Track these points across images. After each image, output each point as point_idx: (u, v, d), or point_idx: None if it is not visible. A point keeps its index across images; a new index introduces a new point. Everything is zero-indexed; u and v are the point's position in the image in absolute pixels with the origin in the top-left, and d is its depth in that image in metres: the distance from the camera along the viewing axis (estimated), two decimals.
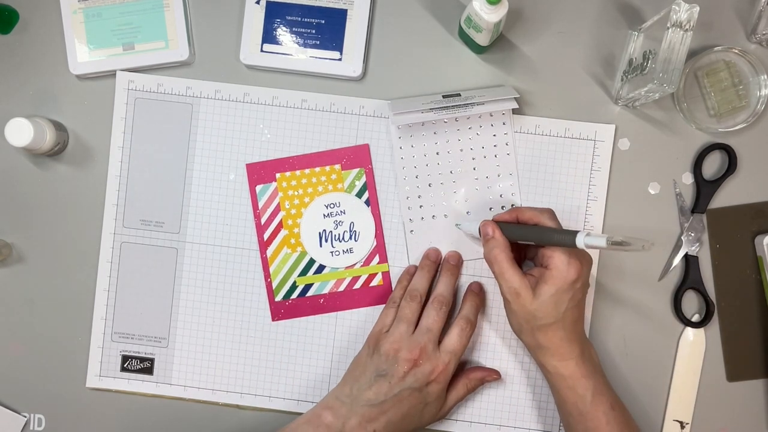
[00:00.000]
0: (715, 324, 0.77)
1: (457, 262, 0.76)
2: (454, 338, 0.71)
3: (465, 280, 0.77)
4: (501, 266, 0.68)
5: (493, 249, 0.69)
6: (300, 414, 0.75)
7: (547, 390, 0.77)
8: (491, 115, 0.76)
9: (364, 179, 0.77)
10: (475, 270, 0.77)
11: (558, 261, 0.67)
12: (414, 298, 0.73)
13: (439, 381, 0.70)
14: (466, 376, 0.74)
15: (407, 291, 0.74)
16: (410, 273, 0.76)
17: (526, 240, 0.70)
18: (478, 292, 0.76)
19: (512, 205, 0.77)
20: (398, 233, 0.77)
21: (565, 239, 0.65)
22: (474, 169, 0.77)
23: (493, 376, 0.76)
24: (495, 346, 0.77)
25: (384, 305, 0.76)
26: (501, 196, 0.77)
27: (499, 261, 0.69)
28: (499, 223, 0.71)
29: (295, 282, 0.77)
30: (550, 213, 0.70)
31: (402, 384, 0.69)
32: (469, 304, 0.74)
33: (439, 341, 0.71)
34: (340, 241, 0.77)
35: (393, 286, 0.77)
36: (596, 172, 0.77)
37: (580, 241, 0.64)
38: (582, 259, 0.68)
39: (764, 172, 0.77)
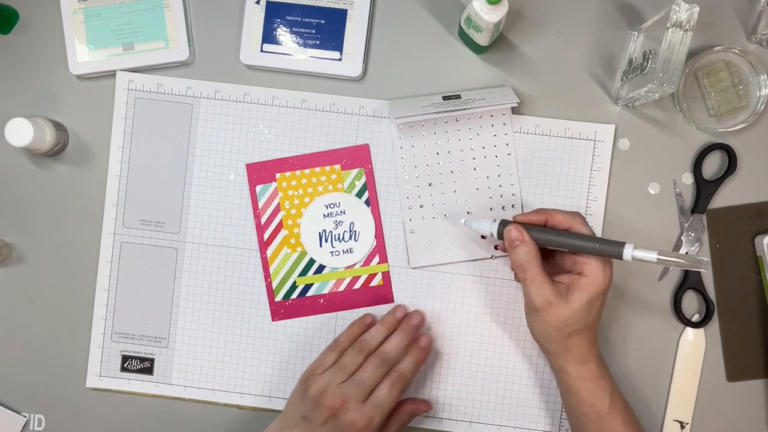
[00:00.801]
0: (715, 324, 0.77)
1: (419, 323, 0.75)
2: (383, 391, 0.68)
3: (464, 280, 0.77)
4: (533, 273, 0.66)
5: (525, 255, 0.66)
6: None
7: (546, 390, 0.77)
8: (491, 115, 0.76)
9: (364, 179, 0.77)
10: (475, 270, 0.77)
11: (595, 268, 0.66)
12: (362, 351, 0.70)
13: None
14: (396, 412, 0.72)
15: (360, 340, 0.71)
16: (364, 322, 0.74)
17: (560, 247, 0.67)
18: (425, 346, 0.73)
19: (512, 206, 0.76)
20: (398, 233, 0.77)
21: (611, 250, 0.64)
22: (474, 169, 0.77)
23: (422, 408, 0.74)
24: (496, 345, 0.77)
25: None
26: (501, 196, 0.77)
27: (532, 268, 0.66)
28: (526, 226, 0.68)
29: (295, 282, 0.77)
30: (581, 218, 0.68)
31: (322, 430, 0.67)
32: (409, 359, 0.71)
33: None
34: (340, 241, 0.77)
35: (393, 286, 0.77)
36: (596, 172, 0.77)
37: (628, 255, 0.63)
38: (611, 264, 0.67)
39: (764, 172, 0.77)
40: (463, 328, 0.77)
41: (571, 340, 0.67)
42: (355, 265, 0.77)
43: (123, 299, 0.78)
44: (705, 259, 0.59)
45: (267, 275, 0.78)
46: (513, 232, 0.67)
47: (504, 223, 0.69)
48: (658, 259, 0.61)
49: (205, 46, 0.78)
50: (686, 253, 0.76)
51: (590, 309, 0.66)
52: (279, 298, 0.78)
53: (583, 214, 0.77)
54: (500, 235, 0.69)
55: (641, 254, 0.62)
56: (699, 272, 0.76)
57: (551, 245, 0.67)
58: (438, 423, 0.77)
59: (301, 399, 0.69)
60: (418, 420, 0.77)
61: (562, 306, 0.66)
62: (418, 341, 0.73)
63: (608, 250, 0.64)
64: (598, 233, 0.76)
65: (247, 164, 0.77)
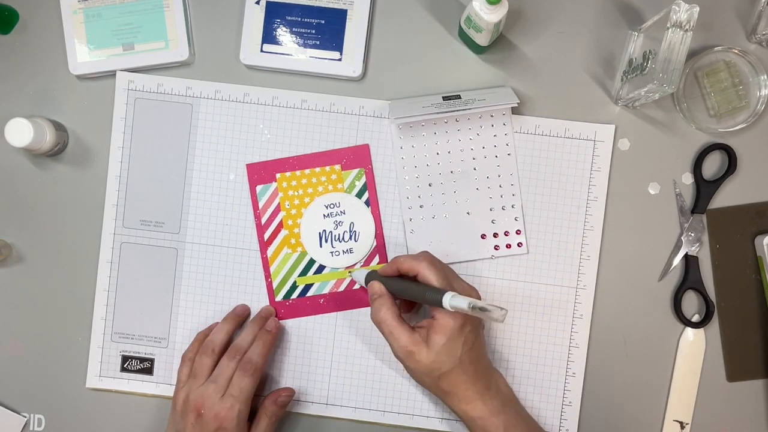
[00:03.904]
0: (715, 324, 0.77)
1: (267, 314, 0.76)
2: (236, 380, 0.71)
3: (464, 280, 0.77)
4: (389, 326, 0.68)
5: (379, 310, 0.69)
6: (300, 414, 0.76)
7: (546, 390, 0.77)
8: (491, 116, 0.76)
9: (364, 179, 0.77)
10: (475, 270, 0.77)
11: (443, 311, 0.66)
12: (205, 352, 0.73)
13: (225, 428, 0.69)
14: (262, 405, 0.74)
15: (203, 344, 0.74)
16: (209, 329, 0.76)
17: (406, 296, 0.70)
18: (270, 329, 0.75)
19: (512, 206, 0.77)
20: (398, 233, 0.77)
21: (435, 298, 0.65)
22: (474, 169, 0.77)
23: (283, 393, 0.75)
24: (495, 346, 0.77)
25: None
26: (501, 196, 0.77)
27: (386, 321, 0.68)
28: (384, 279, 0.70)
29: (295, 282, 0.77)
30: (427, 259, 0.69)
31: None
32: (256, 344, 0.73)
33: None
34: (340, 242, 0.77)
35: None
36: (596, 172, 0.77)
37: (446, 302, 0.64)
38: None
39: (764, 172, 0.77)
40: None
41: (444, 382, 0.68)
42: (355, 265, 0.77)
43: (123, 299, 0.78)
44: (505, 309, 0.61)
45: (267, 275, 0.77)
46: (373, 287, 0.70)
47: (370, 276, 0.72)
48: (469, 308, 0.62)
49: (205, 46, 0.78)
50: (686, 254, 0.76)
51: (451, 350, 0.67)
52: (279, 298, 0.78)
53: (584, 214, 0.77)
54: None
55: (457, 303, 0.63)
56: (699, 272, 0.76)
57: (401, 295, 0.70)
58: (438, 423, 0.77)
59: (172, 417, 0.73)
60: (420, 420, 0.77)
61: (422, 352, 0.67)
62: (265, 326, 0.75)
63: (433, 299, 0.65)
64: (598, 234, 0.77)
65: (247, 164, 0.77)
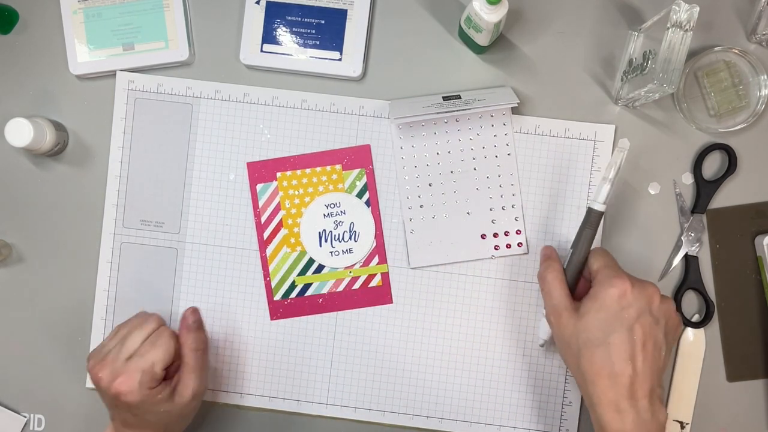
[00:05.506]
0: (715, 324, 0.77)
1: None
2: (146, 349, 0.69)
3: (464, 280, 0.77)
4: (550, 284, 0.68)
5: (547, 269, 0.69)
6: (300, 414, 0.76)
7: (546, 390, 0.77)
8: (492, 116, 0.76)
9: (364, 180, 0.77)
10: (475, 270, 0.77)
11: (602, 275, 0.65)
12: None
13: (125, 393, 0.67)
14: (180, 342, 0.72)
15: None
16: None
17: (573, 262, 0.70)
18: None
19: (512, 206, 0.76)
20: (398, 234, 0.77)
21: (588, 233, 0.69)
22: (474, 169, 0.77)
23: (189, 317, 0.75)
24: (496, 345, 0.77)
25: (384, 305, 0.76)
26: (501, 196, 0.77)
27: (548, 279, 0.68)
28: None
29: (294, 281, 0.77)
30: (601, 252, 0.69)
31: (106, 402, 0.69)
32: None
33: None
34: (340, 241, 0.77)
35: (392, 286, 0.77)
36: (596, 172, 0.77)
37: (595, 205, 0.68)
38: (633, 280, 0.64)
39: (764, 172, 0.77)
40: (462, 328, 0.77)
41: (584, 358, 0.63)
42: (354, 265, 0.77)
43: (123, 299, 0.78)
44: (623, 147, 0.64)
45: (266, 274, 0.77)
46: (546, 250, 0.72)
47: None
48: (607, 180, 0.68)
49: (205, 46, 0.78)
50: (686, 254, 0.76)
51: (604, 323, 0.63)
52: (278, 297, 0.78)
53: (584, 214, 0.76)
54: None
55: (598, 191, 0.69)
56: (699, 272, 0.76)
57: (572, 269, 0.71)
58: (438, 423, 0.77)
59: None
60: (420, 420, 0.77)
61: (572, 317, 0.65)
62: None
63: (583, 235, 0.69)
64: (599, 233, 0.77)
65: (248, 162, 0.77)
